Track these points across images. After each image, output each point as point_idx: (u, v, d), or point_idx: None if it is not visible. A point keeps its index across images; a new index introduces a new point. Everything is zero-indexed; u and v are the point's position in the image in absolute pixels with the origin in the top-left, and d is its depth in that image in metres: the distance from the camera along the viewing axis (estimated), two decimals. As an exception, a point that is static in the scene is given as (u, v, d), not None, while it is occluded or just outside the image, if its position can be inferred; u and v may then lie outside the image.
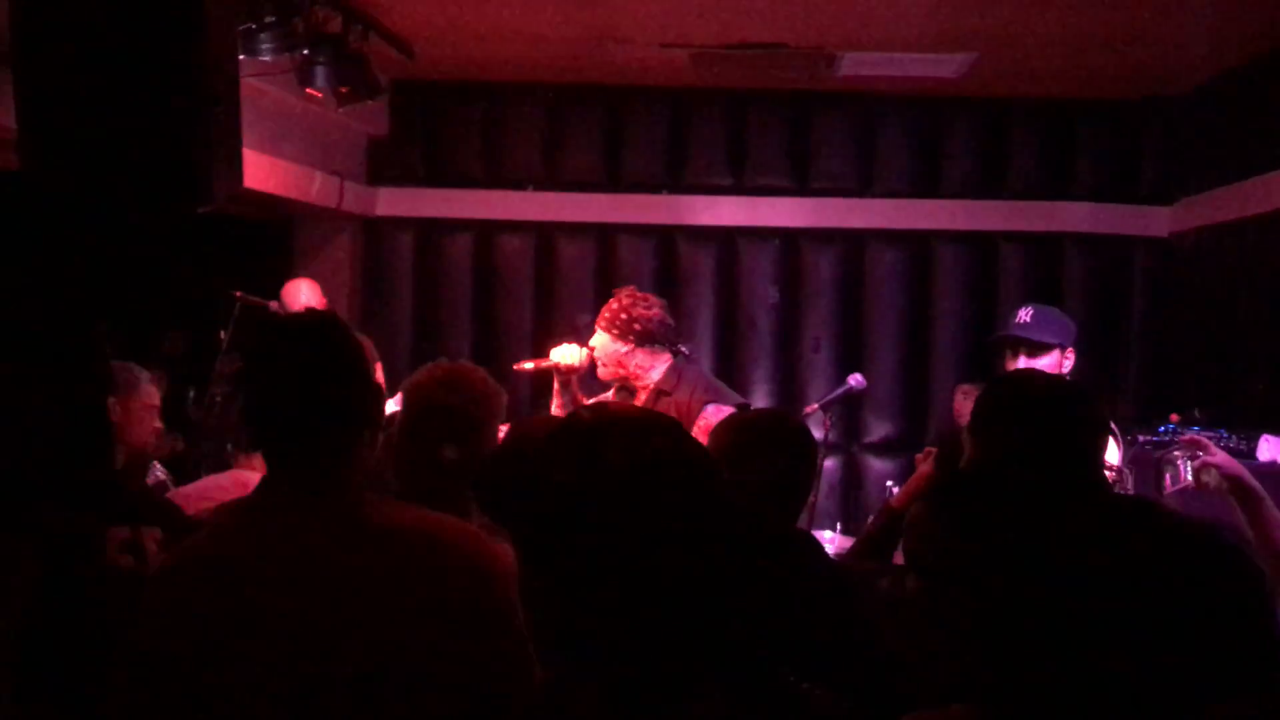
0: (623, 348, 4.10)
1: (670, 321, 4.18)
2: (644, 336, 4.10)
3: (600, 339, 4.12)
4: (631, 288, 4.30)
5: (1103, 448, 2.23)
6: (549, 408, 4.20)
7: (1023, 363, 3.74)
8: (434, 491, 2.23)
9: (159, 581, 1.86)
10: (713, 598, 1.27)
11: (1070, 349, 3.81)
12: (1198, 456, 2.45)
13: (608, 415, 1.33)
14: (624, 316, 4.11)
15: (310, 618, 1.71)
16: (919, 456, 2.87)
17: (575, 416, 1.33)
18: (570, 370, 4.10)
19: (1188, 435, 2.52)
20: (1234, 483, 2.40)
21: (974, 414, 2.27)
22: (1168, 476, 2.50)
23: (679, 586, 1.25)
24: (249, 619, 1.71)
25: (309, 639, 1.70)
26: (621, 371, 4.12)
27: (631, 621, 1.24)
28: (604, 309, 4.18)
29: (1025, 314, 3.81)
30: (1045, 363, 3.79)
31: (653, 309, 4.17)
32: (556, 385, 4.14)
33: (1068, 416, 2.18)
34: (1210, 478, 2.42)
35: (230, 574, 1.75)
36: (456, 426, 2.31)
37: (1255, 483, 2.40)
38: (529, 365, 4.24)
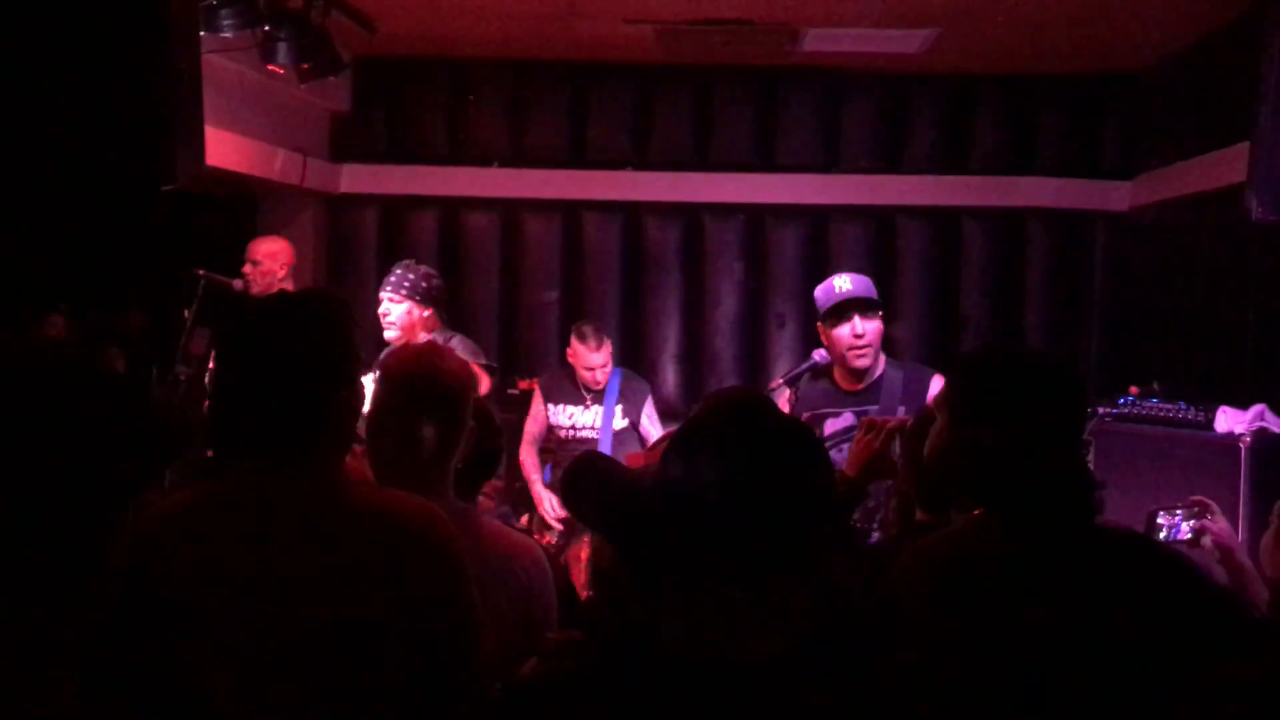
0: (425, 312, 4.57)
1: None
2: (439, 302, 4.64)
3: (401, 307, 4.55)
4: (410, 260, 4.74)
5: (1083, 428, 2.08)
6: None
7: (859, 324, 3.82)
8: (412, 470, 2.25)
9: (144, 541, 1.88)
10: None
11: (880, 312, 3.94)
12: (1200, 518, 2.48)
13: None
14: (424, 285, 4.57)
15: (281, 586, 1.77)
16: (862, 423, 2.86)
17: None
18: None
19: (1197, 496, 2.52)
20: (1225, 554, 2.43)
21: (955, 386, 2.07)
22: (1161, 529, 2.47)
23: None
24: (229, 582, 1.77)
25: (282, 605, 1.76)
26: (411, 334, 4.53)
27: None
28: (400, 280, 4.58)
29: (851, 280, 3.93)
30: (876, 325, 3.89)
31: (438, 277, 4.71)
32: None
33: (1063, 402, 1.97)
34: (1206, 541, 2.45)
35: (212, 539, 1.81)
36: (437, 405, 2.31)
37: (1245, 559, 2.42)
38: None
